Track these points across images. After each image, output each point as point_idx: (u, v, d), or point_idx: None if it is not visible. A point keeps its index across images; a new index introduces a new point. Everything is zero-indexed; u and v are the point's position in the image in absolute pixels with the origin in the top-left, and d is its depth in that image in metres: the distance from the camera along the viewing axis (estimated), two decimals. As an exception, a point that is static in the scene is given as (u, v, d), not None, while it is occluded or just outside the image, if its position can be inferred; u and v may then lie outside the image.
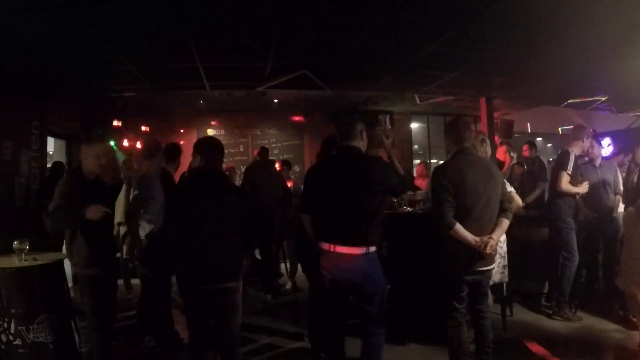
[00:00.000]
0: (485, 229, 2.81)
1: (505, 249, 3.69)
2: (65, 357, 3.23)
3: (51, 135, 6.74)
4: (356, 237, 2.71)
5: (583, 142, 4.40)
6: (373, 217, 2.73)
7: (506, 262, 3.71)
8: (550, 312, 4.42)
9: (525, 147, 6.80)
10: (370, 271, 2.74)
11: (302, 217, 3.08)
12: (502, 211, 2.90)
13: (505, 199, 2.96)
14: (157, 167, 3.91)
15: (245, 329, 4.32)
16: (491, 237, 2.76)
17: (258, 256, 5.63)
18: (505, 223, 2.90)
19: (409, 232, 4.04)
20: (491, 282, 3.58)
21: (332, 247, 2.75)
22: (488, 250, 2.73)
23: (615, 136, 7.72)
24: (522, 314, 4.50)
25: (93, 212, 2.90)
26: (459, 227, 2.73)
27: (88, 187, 3.10)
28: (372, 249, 2.73)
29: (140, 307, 3.95)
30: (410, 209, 4.57)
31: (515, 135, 9.92)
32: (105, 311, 3.12)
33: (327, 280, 2.88)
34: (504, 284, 4.02)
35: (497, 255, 3.56)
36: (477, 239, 2.74)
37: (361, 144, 2.89)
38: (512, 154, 6.94)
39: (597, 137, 7.22)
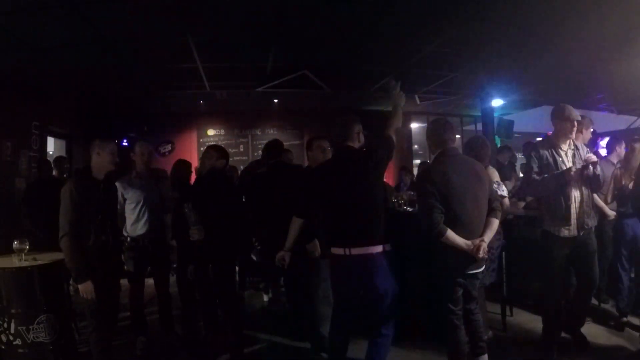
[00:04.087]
0: (475, 231, 2.76)
1: (496, 253, 3.66)
2: (65, 357, 3.22)
3: (51, 135, 6.74)
4: (370, 235, 2.68)
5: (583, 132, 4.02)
6: (381, 212, 2.72)
7: (496, 265, 3.69)
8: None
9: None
10: (387, 270, 2.71)
11: (294, 220, 3.02)
12: (491, 211, 2.84)
13: (494, 197, 2.90)
14: (143, 166, 3.93)
15: (245, 329, 4.33)
16: (482, 240, 2.71)
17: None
18: (495, 223, 2.84)
19: (409, 231, 4.03)
20: (482, 284, 3.56)
21: (347, 251, 2.70)
22: (481, 254, 2.68)
23: (615, 136, 7.71)
24: (522, 315, 4.49)
25: (87, 291, 2.87)
26: (450, 233, 2.67)
27: (98, 190, 3.03)
28: (387, 247, 2.71)
29: (132, 308, 3.91)
30: (411, 209, 4.57)
31: (516, 135, 9.93)
32: (105, 312, 3.09)
33: (341, 285, 2.86)
34: (504, 284, 4.01)
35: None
36: (469, 242, 2.68)
37: (357, 145, 2.87)
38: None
39: (597, 137, 7.23)
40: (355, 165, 2.76)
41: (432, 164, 2.91)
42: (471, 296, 2.97)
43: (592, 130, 4.21)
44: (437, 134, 2.91)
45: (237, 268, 5.36)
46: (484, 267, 2.98)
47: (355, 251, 2.67)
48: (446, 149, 2.86)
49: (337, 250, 2.75)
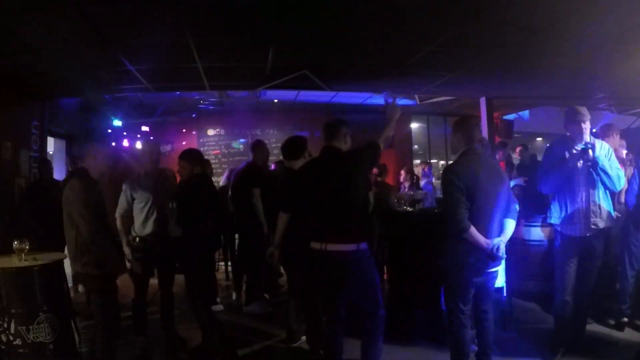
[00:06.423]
0: (493, 230, 2.80)
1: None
2: (65, 357, 3.22)
3: (51, 135, 6.74)
4: (346, 233, 2.77)
5: (613, 137, 4.19)
6: (360, 211, 2.81)
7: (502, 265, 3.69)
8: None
9: (517, 150, 6.97)
10: (362, 268, 2.79)
11: (280, 215, 3.16)
12: (507, 212, 2.89)
13: (511, 199, 2.94)
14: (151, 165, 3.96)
15: (243, 329, 4.34)
16: (501, 240, 2.76)
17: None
18: (512, 224, 2.89)
19: (409, 231, 4.04)
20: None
21: (323, 246, 2.80)
22: (500, 253, 2.72)
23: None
24: (521, 315, 4.49)
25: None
26: (473, 230, 2.69)
27: (97, 190, 3.10)
28: (363, 245, 2.78)
29: (135, 307, 3.92)
30: (410, 209, 4.58)
31: (516, 135, 9.93)
32: (114, 310, 3.12)
33: (319, 279, 2.92)
34: (504, 285, 4.02)
35: None
36: (489, 241, 2.72)
37: (343, 146, 2.96)
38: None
39: (597, 137, 7.24)
40: (338, 165, 2.86)
41: (459, 160, 2.92)
42: (486, 295, 2.96)
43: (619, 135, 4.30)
44: (467, 131, 2.93)
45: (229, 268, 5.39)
46: (499, 266, 3.00)
47: (330, 247, 2.77)
48: (472, 147, 2.89)
49: (315, 245, 2.85)
